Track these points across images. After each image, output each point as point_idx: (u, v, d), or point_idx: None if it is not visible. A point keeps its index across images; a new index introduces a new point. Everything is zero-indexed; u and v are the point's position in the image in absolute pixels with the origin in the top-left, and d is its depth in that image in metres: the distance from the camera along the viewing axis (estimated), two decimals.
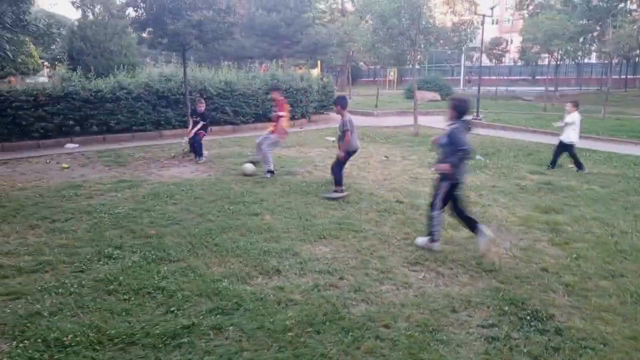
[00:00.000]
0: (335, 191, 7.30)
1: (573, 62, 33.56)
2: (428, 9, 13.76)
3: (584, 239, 5.59)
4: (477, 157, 10.66)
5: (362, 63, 45.57)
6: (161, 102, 13.99)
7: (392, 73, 38.56)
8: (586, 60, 35.36)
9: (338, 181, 7.32)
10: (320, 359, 3.17)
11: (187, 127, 10.78)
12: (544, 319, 3.73)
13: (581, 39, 25.43)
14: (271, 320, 3.63)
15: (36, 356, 3.17)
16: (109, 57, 19.01)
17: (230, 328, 3.52)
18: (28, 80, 23.43)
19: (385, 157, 10.86)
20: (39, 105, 12.37)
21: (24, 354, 3.19)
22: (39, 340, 3.35)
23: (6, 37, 10.87)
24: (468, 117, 5.12)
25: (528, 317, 3.75)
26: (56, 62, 17.77)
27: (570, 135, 9.44)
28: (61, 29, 20.37)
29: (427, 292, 4.19)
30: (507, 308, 3.90)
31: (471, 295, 4.13)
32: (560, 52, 23.15)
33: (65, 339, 3.34)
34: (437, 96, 27.77)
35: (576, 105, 9.70)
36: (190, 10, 9.84)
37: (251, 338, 3.41)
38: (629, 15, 24.56)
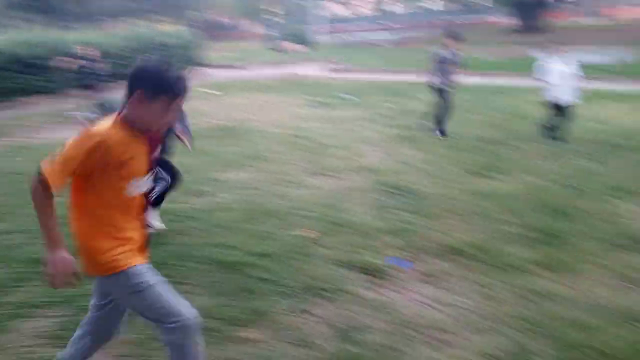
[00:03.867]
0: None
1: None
2: None
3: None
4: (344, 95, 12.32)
5: (226, 18, 44.79)
6: None
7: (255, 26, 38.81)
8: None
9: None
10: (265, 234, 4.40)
11: None
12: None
13: None
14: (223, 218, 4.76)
15: None
16: None
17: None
18: None
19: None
20: None
21: None
22: None
23: None
24: None
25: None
26: None
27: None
28: None
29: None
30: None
31: (355, 186, 5.67)
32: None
33: None
34: (303, 48, 29.26)
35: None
36: None
37: (207, 231, 4.49)
38: None
